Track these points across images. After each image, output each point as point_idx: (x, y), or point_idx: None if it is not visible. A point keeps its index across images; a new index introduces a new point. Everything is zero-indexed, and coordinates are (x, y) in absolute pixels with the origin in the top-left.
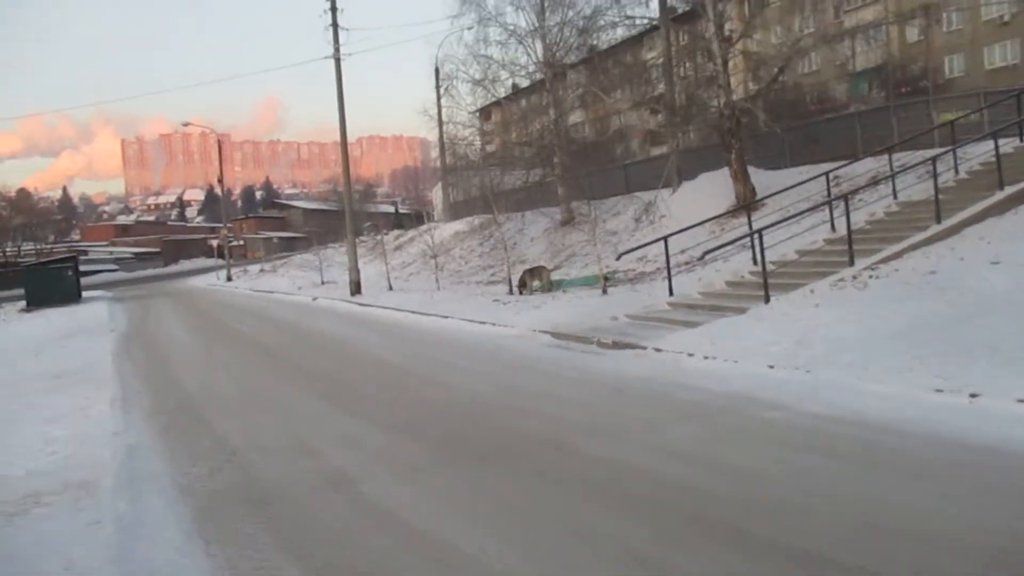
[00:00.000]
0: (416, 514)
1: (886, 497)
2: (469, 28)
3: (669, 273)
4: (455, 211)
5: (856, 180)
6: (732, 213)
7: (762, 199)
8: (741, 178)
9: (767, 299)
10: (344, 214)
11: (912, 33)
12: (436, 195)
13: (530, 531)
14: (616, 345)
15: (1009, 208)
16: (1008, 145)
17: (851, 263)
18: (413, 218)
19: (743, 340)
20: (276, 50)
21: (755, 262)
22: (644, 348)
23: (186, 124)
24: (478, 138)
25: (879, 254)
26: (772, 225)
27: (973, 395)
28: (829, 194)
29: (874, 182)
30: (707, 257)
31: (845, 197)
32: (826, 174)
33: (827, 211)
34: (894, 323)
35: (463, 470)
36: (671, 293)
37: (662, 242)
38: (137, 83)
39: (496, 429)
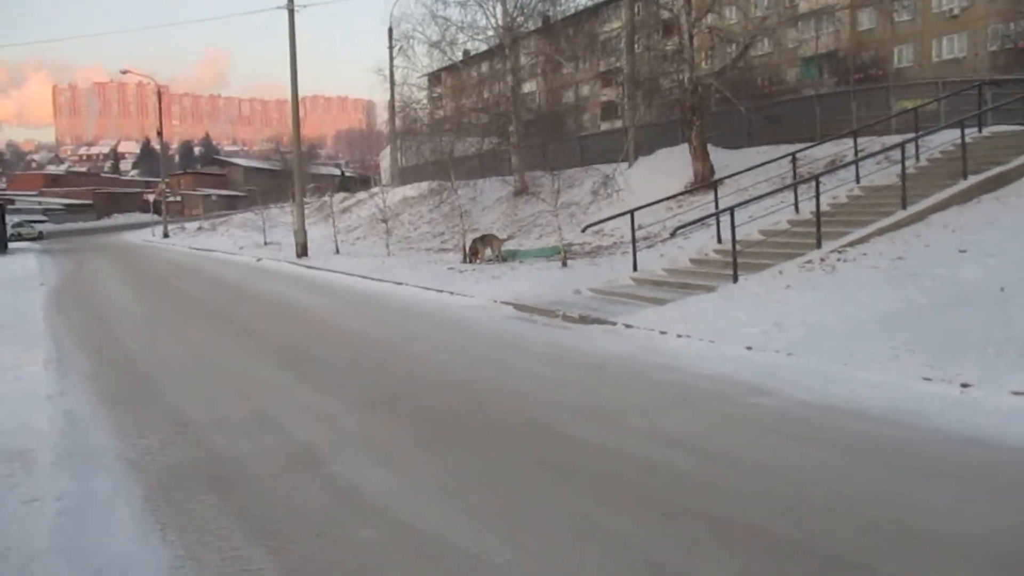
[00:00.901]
0: (399, 502)
1: (907, 495)
2: None
3: (634, 248)
4: (403, 176)
5: (815, 163)
6: (690, 190)
7: (723, 178)
8: (700, 155)
9: (735, 278)
10: (288, 174)
11: (864, 21)
12: (384, 159)
13: (529, 527)
14: (583, 320)
15: (972, 197)
16: (968, 135)
17: (819, 245)
18: (358, 181)
19: (716, 320)
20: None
21: (719, 240)
22: (613, 324)
23: (124, 72)
24: (431, 102)
25: (846, 237)
26: (742, 203)
27: (964, 385)
28: (795, 176)
29: (834, 166)
30: (673, 233)
31: (816, 179)
32: (792, 155)
33: (788, 192)
34: (872, 309)
35: (445, 452)
36: (635, 269)
37: (619, 216)
38: (76, 26)
39: (474, 406)
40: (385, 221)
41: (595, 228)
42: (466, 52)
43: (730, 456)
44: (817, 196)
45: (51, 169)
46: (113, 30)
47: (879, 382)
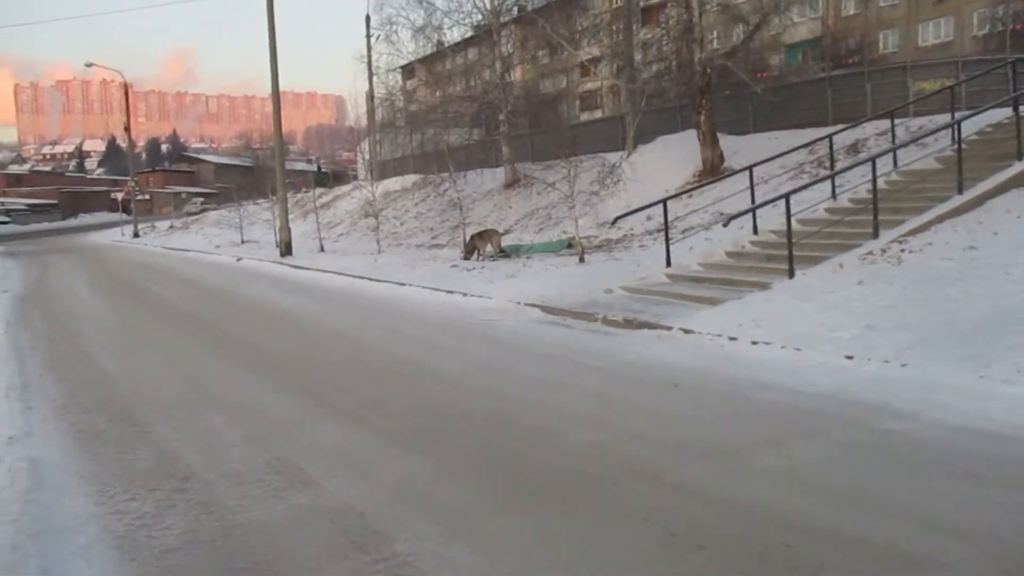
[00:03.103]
0: None
1: None
2: None
3: (667, 242)
4: (383, 170)
5: (836, 149)
6: (700, 178)
7: (753, 166)
8: (709, 142)
9: (791, 273)
10: (262, 170)
11: (848, 6)
12: (362, 153)
13: None
14: (629, 324)
15: None
16: (1003, 117)
17: (875, 235)
18: (331, 177)
19: (791, 323)
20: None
21: (755, 231)
22: (668, 328)
23: (89, 65)
24: (416, 91)
25: (903, 226)
26: (798, 190)
27: None
28: (832, 160)
29: (857, 151)
30: (726, 223)
31: (873, 160)
32: (829, 137)
33: (809, 178)
34: (973, 308)
35: (536, 517)
36: (668, 264)
37: (651, 206)
38: (40, 24)
39: (545, 444)
40: (375, 216)
41: (600, 219)
42: (440, 44)
43: (917, 512)
44: (874, 180)
45: (13, 169)
46: (75, 15)
47: None
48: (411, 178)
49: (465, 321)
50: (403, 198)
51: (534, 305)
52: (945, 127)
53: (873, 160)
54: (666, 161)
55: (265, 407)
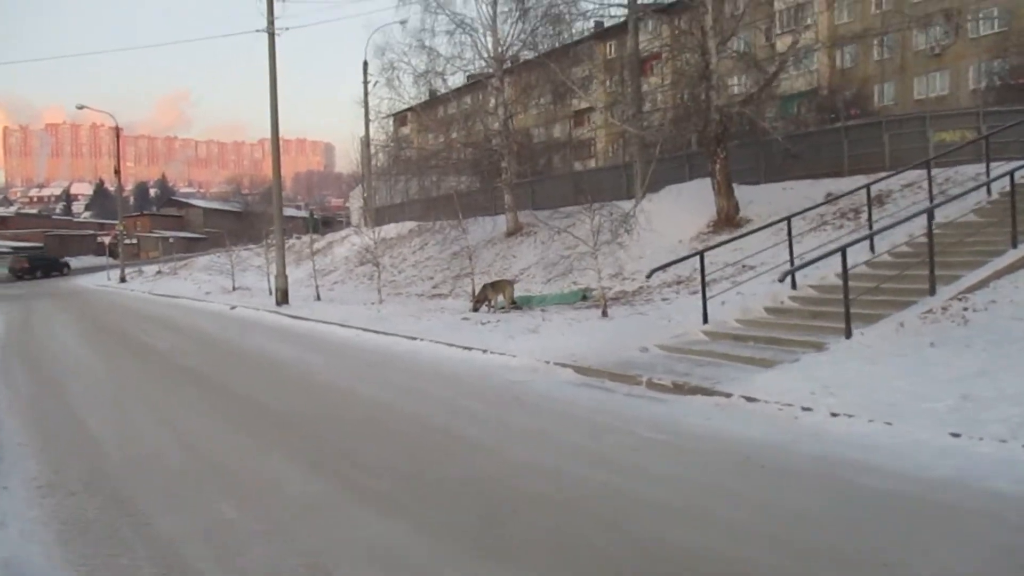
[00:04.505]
0: None
1: None
2: (403, 22)
3: (704, 296)
4: (378, 217)
5: (854, 198)
6: (714, 229)
7: (790, 217)
8: (724, 191)
9: (848, 333)
10: (252, 215)
11: (844, 59)
12: (355, 199)
13: None
14: (680, 388)
15: None
16: None
17: (932, 292)
18: (320, 223)
19: (870, 391)
20: (194, 49)
21: (794, 286)
22: (727, 395)
23: (80, 107)
24: (413, 135)
25: (960, 282)
26: (857, 240)
27: None
28: (870, 210)
29: (882, 202)
30: (782, 279)
31: (930, 211)
32: (867, 187)
33: (835, 230)
34: None
35: None
36: (705, 320)
37: (686, 259)
38: (35, 67)
39: (647, 552)
40: (375, 264)
41: (611, 270)
42: (434, 92)
43: None
44: (930, 233)
45: None
46: (67, 54)
47: None
48: (408, 225)
49: (490, 381)
50: (400, 245)
51: (564, 364)
52: (1001, 176)
53: (930, 211)
54: (679, 210)
55: (282, 488)
